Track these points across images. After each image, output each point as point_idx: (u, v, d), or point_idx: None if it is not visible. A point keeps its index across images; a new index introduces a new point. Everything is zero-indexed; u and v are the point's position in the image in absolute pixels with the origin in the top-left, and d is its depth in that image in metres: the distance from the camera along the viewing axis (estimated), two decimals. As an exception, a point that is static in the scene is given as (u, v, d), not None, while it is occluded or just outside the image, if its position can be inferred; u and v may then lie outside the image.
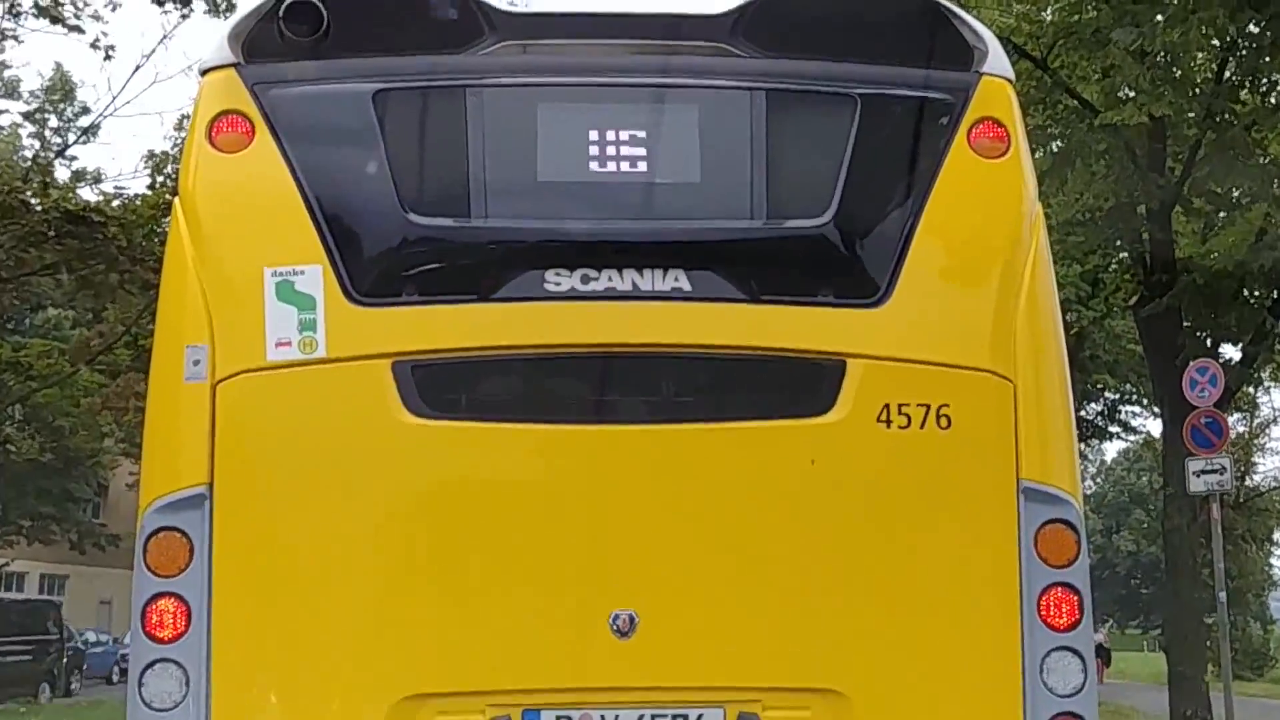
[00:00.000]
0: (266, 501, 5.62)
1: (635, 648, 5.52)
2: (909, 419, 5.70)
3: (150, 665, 5.53)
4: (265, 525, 5.61)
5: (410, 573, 5.61)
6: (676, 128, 5.94)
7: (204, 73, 5.99)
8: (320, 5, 5.89)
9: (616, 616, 5.52)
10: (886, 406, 5.70)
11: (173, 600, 5.57)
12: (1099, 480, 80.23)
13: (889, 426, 5.69)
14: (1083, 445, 37.14)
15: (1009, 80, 6.18)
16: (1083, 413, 33.93)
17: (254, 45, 5.93)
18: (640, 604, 5.55)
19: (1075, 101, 19.88)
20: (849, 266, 5.88)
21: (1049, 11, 18.89)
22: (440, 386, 5.68)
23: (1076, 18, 17.99)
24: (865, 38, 6.05)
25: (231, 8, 23.01)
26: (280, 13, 5.88)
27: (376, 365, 5.65)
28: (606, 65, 6.03)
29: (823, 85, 5.99)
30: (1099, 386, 33.28)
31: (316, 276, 5.70)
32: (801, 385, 5.76)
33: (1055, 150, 20.14)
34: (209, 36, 6.28)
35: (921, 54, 6.06)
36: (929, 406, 5.71)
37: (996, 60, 6.14)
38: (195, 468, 5.61)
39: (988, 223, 5.96)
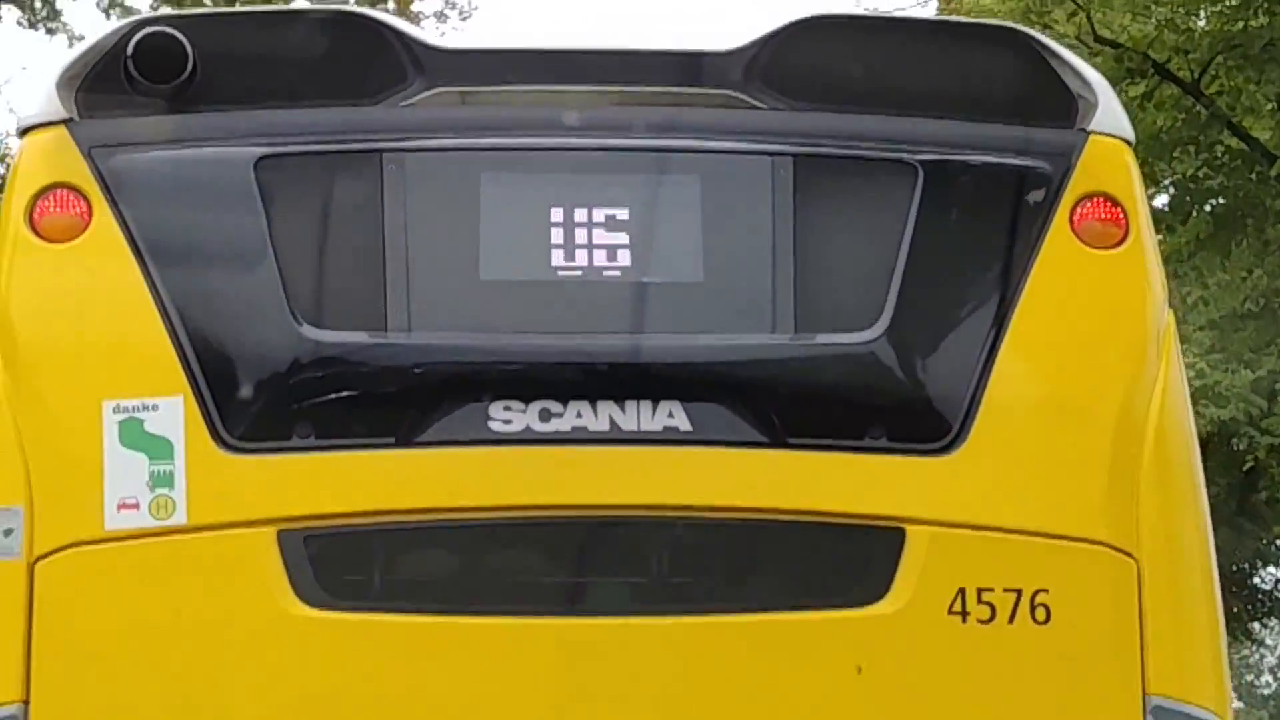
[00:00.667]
0: None
1: None
2: (993, 609, 4.19)
3: None
4: None
5: None
6: (671, 206, 4.42)
7: (24, 132, 4.50)
8: (184, 41, 4.39)
9: None
10: (962, 592, 4.19)
11: None
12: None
13: (965, 620, 4.18)
14: (1256, 625, 32.11)
15: (1127, 141, 4.66)
16: (1256, 580, 29.51)
17: (93, 95, 4.42)
18: None
19: (1240, 142, 15.58)
20: (908, 398, 4.35)
21: (1202, 18, 14.81)
22: (345, 564, 4.20)
23: (1241, 26, 14.05)
24: (930, 83, 4.56)
25: (55, 16, 19.74)
26: (129, 50, 4.37)
27: (257, 534, 4.14)
28: (577, 122, 4.50)
29: (871, 149, 4.47)
30: (1280, 542, 27.52)
31: (175, 413, 4.18)
32: (845, 563, 4.26)
33: (1213, 211, 16.06)
34: (36, 82, 4.75)
35: (1008, 105, 4.57)
36: (1020, 592, 4.20)
37: (1110, 115, 4.62)
38: (4, 681, 4.09)
39: (1098, 337, 4.44)
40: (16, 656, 4.10)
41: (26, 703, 4.09)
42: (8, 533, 4.17)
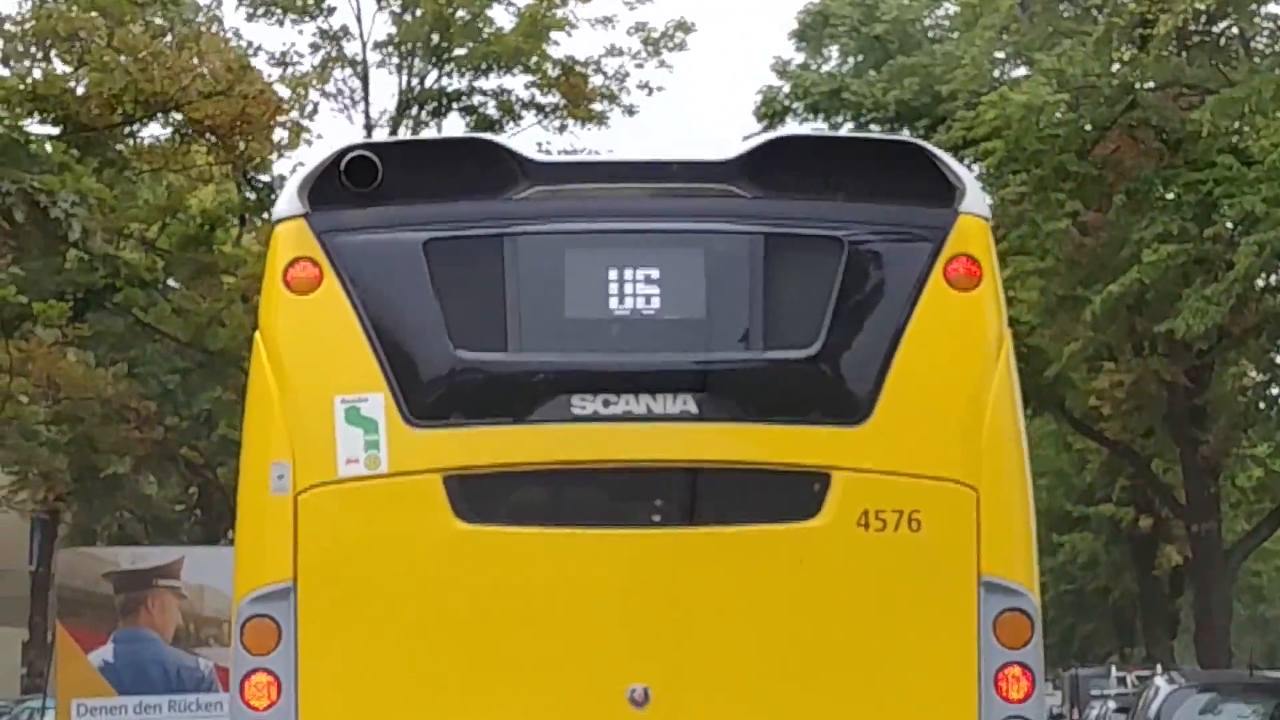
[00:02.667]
0: (341, 593, 6.68)
1: (650, 717, 6.54)
2: (884, 523, 6.65)
3: None
4: (340, 613, 6.67)
5: (462, 652, 6.65)
6: (685, 268, 6.88)
7: (277, 222, 6.99)
8: (375, 159, 6.87)
9: (633, 690, 6.54)
10: (865, 512, 6.66)
11: (265, 675, 6.65)
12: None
13: (867, 530, 6.65)
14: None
15: (985, 218, 7.04)
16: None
17: (319, 196, 6.90)
18: (653, 678, 6.56)
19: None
20: (835, 390, 6.82)
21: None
22: (483, 497, 6.69)
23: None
24: (857, 178, 6.94)
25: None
26: (342, 166, 6.86)
27: (430, 479, 6.67)
28: (625, 209, 6.97)
29: (815, 227, 6.90)
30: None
31: (379, 403, 6.71)
32: (792, 494, 6.72)
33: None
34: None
35: (907, 194, 6.93)
36: (902, 512, 6.66)
37: (974, 200, 7.01)
38: (281, 566, 6.67)
39: (959, 349, 6.86)
40: (289, 552, 6.69)
41: (295, 579, 6.68)
42: (281, 477, 6.73)
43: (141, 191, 27.60)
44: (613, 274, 6.82)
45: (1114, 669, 28.01)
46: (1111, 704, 24.73)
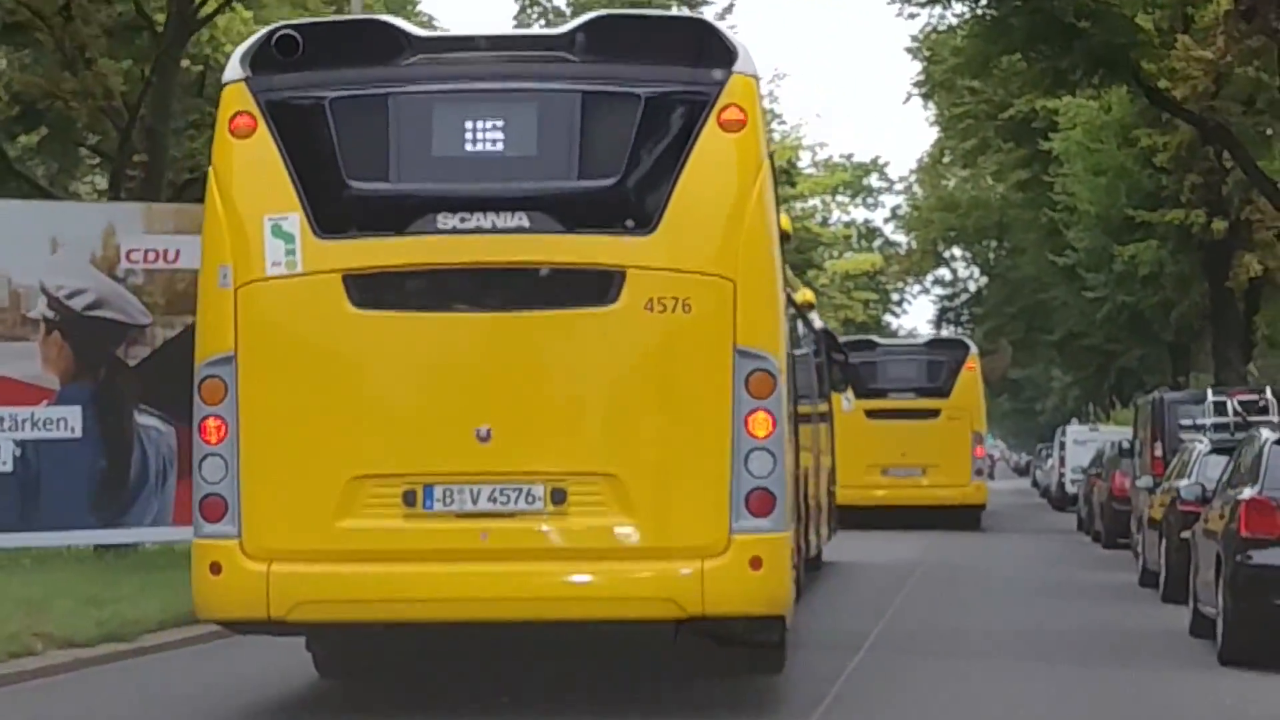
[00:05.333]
0: (268, 359, 9.16)
1: (491, 449, 9.01)
2: (665, 307, 9.01)
3: (203, 459, 9.18)
4: (268, 372, 9.15)
5: (355, 400, 9.13)
6: (523, 117, 9.24)
7: (225, 84, 9.40)
8: (298, 36, 9.24)
9: (479, 430, 9.00)
10: (651, 299, 9.02)
11: (216, 419, 9.18)
12: None
13: (652, 312, 9.01)
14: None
15: (754, 76, 9.29)
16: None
17: (256, 63, 9.30)
18: (494, 421, 9.01)
19: None
20: (631, 210, 9.14)
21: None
22: (370, 290, 9.12)
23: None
24: (656, 47, 9.23)
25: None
26: (273, 42, 9.25)
27: (332, 278, 9.11)
28: (481, 73, 9.31)
29: (621, 85, 9.19)
30: None
31: (295, 221, 9.13)
32: (599, 286, 9.09)
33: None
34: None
35: (694, 59, 9.20)
36: (678, 299, 9.01)
37: (746, 62, 9.24)
38: (226, 340, 9.17)
39: (725, 178, 9.16)
40: (231, 330, 9.16)
41: (236, 349, 9.15)
42: (224, 276, 9.19)
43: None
44: (468, 124, 9.20)
45: (1210, 393, 20.85)
46: (1203, 443, 18.37)
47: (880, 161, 78.05)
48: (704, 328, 9.05)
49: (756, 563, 8.95)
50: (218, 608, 9.28)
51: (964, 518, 31.33)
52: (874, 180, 72.08)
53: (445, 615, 9.13)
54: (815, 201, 66.14)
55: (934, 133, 54.73)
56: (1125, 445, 26.65)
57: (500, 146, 9.20)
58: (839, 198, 70.04)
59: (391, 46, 9.33)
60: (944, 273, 72.05)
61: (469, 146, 9.20)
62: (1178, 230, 34.31)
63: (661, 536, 8.99)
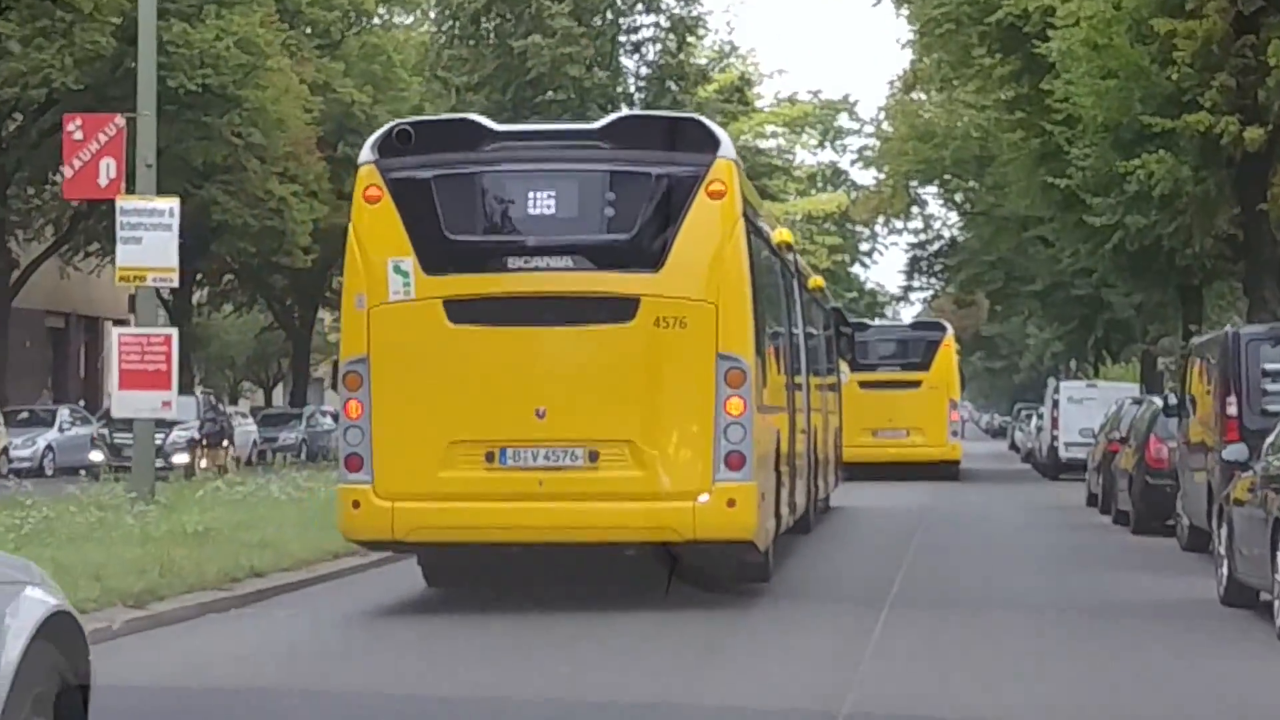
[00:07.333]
0: (391, 358, 13.10)
1: (546, 423, 12.92)
2: (668, 324, 12.88)
3: (347, 429, 13.15)
4: (391, 368, 13.09)
5: (451, 388, 13.05)
6: (569, 189, 13.14)
7: (360, 165, 13.33)
8: (410, 129, 13.15)
9: (538, 410, 12.91)
10: (658, 318, 12.90)
11: (356, 402, 13.14)
12: None
13: (659, 328, 12.90)
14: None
15: (732, 160, 13.12)
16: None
17: (381, 150, 13.23)
18: (548, 403, 12.92)
19: None
20: (644, 255, 13.01)
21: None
22: (463, 311, 13.04)
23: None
24: (664, 137, 13.10)
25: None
26: (393, 134, 13.17)
27: (435, 302, 13.04)
28: (540, 156, 13.21)
29: (639, 166, 13.05)
30: None
31: (410, 263, 13.05)
32: (622, 309, 12.97)
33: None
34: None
35: (690, 147, 13.06)
36: (677, 318, 12.88)
37: (726, 149, 13.09)
38: (361, 346, 13.12)
39: (710, 230, 13.01)
40: (365, 338, 13.12)
41: (369, 352, 13.12)
42: (360, 301, 13.14)
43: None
44: (530, 194, 13.12)
45: None
46: None
47: (851, 99, 72.51)
48: (695, 338, 12.90)
49: (732, 503, 12.84)
50: (359, 531, 13.30)
51: (943, 471, 36.32)
52: (845, 121, 67.13)
53: (514, 539, 13.09)
54: (778, 140, 60.72)
55: (908, 58, 46.38)
56: (1167, 402, 21.10)
57: (553, 209, 13.10)
58: (804, 137, 64.93)
59: (477, 137, 13.22)
60: (917, 224, 66.10)
61: (530, 210, 13.11)
62: (1202, 141, 26.41)
63: (665, 484, 12.87)
